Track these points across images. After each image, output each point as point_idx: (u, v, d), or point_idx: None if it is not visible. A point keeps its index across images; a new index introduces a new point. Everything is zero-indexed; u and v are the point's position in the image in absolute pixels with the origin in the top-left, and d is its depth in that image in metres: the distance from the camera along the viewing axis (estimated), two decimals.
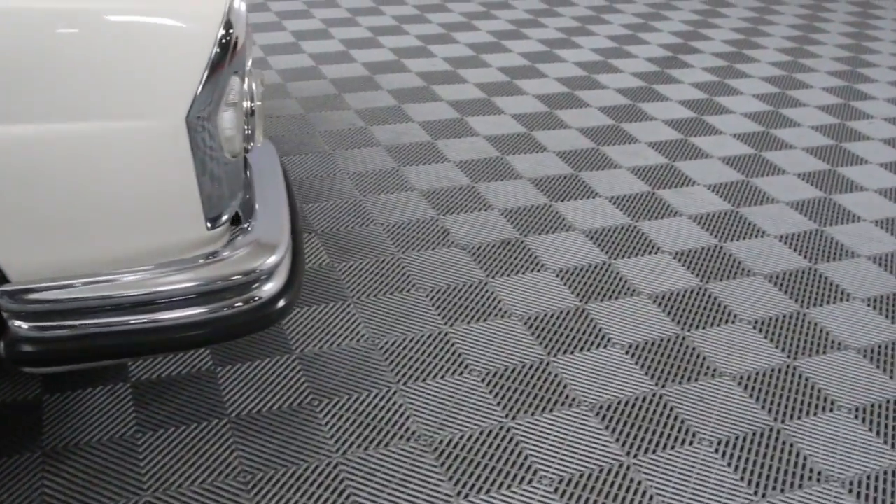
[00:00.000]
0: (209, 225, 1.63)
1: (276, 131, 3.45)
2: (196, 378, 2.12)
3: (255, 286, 1.66)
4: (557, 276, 2.62)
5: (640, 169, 3.34)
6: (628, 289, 2.58)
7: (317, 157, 3.26)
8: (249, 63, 1.90)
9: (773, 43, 5.01)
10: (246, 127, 1.73)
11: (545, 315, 2.44)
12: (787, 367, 2.31)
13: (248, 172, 1.96)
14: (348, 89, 3.95)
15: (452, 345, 2.30)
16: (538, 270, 2.64)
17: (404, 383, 2.16)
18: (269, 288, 1.68)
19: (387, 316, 2.39)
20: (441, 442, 1.99)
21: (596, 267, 2.68)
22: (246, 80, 1.75)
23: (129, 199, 1.52)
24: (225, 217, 1.66)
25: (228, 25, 1.56)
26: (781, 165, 3.44)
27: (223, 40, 1.55)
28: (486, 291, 2.52)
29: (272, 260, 1.68)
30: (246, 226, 1.77)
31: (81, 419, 1.98)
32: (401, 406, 2.09)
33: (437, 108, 3.78)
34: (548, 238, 2.82)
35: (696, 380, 2.24)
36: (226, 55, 1.56)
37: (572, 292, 2.54)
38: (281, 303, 1.69)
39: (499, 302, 2.48)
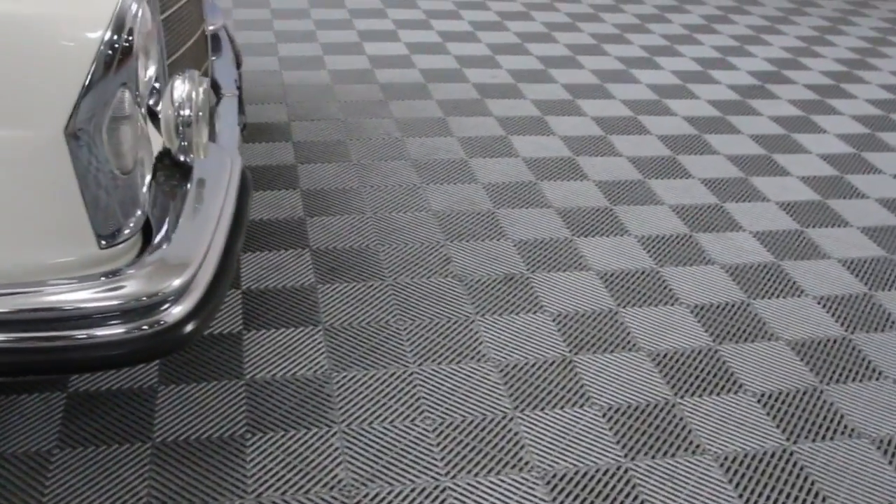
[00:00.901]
0: (103, 242, 1.55)
1: (413, 133, 3.45)
2: (309, 382, 2.13)
3: (159, 308, 1.56)
4: (692, 311, 2.51)
5: (789, 204, 3.18)
6: (766, 332, 2.45)
7: (452, 166, 3.23)
8: (193, 71, 1.82)
9: None
10: (181, 137, 1.70)
11: (675, 352, 2.34)
12: None
13: (185, 185, 1.83)
14: (491, 95, 3.92)
15: (575, 374, 2.23)
16: (672, 304, 2.54)
17: (521, 410, 2.10)
18: (174, 311, 1.57)
19: (512, 336, 2.34)
20: (554, 476, 1.93)
21: (733, 306, 2.56)
22: (185, 85, 1.70)
23: (9, 210, 1.45)
24: (125, 234, 1.58)
25: (117, 31, 1.47)
26: None
27: (108, 49, 1.45)
28: (616, 321, 2.44)
29: (177, 282, 1.58)
30: (156, 244, 1.65)
31: (194, 414, 2.01)
32: (515, 434, 2.03)
33: (579, 124, 3.70)
34: (685, 270, 2.71)
35: (832, 438, 2.10)
36: (111, 65, 1.46)
37: (706, 330, 2.44)
38: (188, 328, 1.57)
39: (627, 333, 2.39)
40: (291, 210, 2.84)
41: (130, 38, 1.49)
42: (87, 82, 1.42)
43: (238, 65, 2.86)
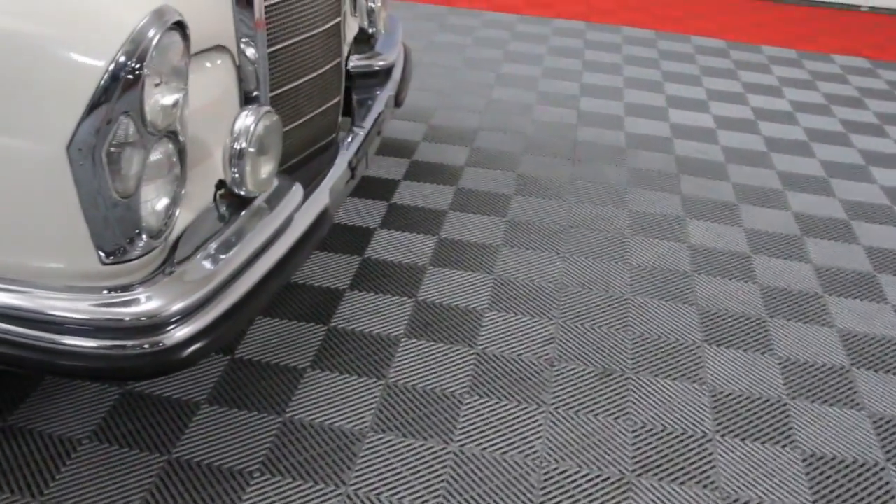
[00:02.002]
0: (105, 258, 1.61)
1: (697, 214, 3.53)
2: (531, 364, 2.34)
3: (157, 330, 1.62)
4: None
5: None
6: None
7: (730, 259, 3.05)
8: (254, 107, 1.90)
9: None
10: (234, 170, 1.82)
11: None
12: None
13: (234, 214, 1.89)
14: (794, 186, 3.59)
15: (786, 416, 2.26)
16: None
17: (723, 434, 2.18)
18: (175, 335, 1.63)
19: (733, 367, 2.41)
20: (736, 501, 2.00)
21: None
22: (248, 118, 1.83)
23: (16, 216, 1.57)
24: (130, 254, 1.64)
25: (125, 60, 1.51)
26: None
27: (112, 76, 1.51)
28: (845, 377, 2.43)
29: (179, 306, 1.64)
30: (172, 266, 1.72)
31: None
32: (710, 454, 2.12)
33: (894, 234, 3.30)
34: None
35: None
36: (113, 92, 1.51)
37: None
38: (184, 352, 1.63)
39: (854, 392, 2.37)
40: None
41: (139, 67, 1.53)
42: (88, 106, 1.50)
43: (397, 104, 2.98)
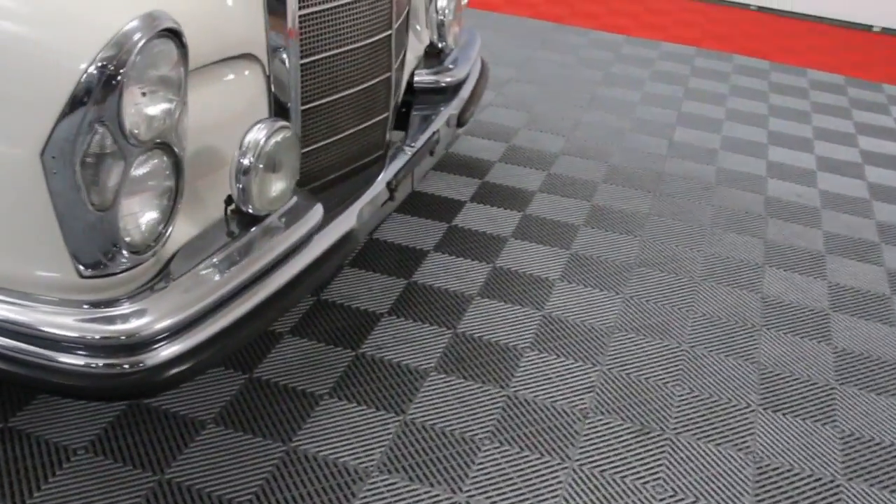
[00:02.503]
0: (84, 270, 1.54)
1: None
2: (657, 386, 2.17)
3: (138, 350, 1.54)
4: None
5: None
6: None
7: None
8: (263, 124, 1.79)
9: None
10: (240, 185, 1.73)
11: None
12: None
13: (239, 233, 1.80)
14: None
15: None
16: None
17: (850, 479, 1.98)
18: (156, 355, 1.54)
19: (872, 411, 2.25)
20: None
21: None
22: (259, 132, 1.74)
23: None
24: (109, 268, 1.55)
25: (104, 66, 1.42)
26: None
27: (89, 81, 1.41)
28: None
29: (163, 325, 1.55)
30: (156, 282, 1.62)
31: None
32: (837, 498, 1.94)
33: None
34: None
35: None
36: (88, 98, 1.42)
37: None
38: (165, 375, 1.54)
39: None
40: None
41: (119, 74, 1.44)
42: (61, 113, 1.42)
43: (460, 124, 2.82)
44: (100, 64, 1.42)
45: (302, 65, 1.99)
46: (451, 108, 2.72)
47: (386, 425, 2.10)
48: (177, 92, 1.57)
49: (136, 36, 1.46)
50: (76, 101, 1.42)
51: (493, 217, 3.08)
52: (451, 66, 2.82)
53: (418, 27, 2.82)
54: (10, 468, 1.89)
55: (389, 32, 2.23)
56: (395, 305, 2.53)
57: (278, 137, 1.79)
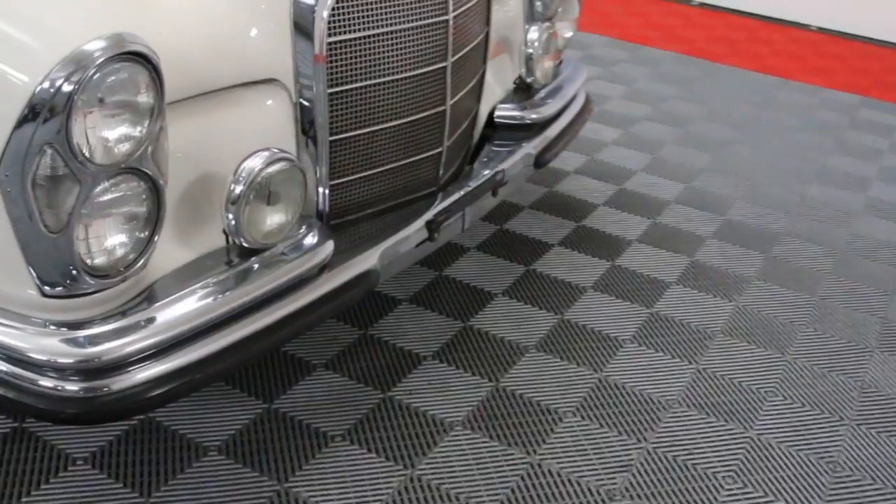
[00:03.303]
0: (45, 289, 1.49)
1: None
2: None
3: (96, 375, 1.49)
4: None
5: None
6: None
7: None
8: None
9: None
10: (230, 216, 1.64)
11: None
12: None
13: (229, 263, 1.73)
14: None
15: None
16: None
17: None
18: (114, 383, 1.50)
19: None
20: None
21: None
22: (256, 160, 1.65)
23: None
24: (70, 290, 1.50)
25: (55, 85, 1.34)
26: None
27: (39, 99, 1.35)
28: None
29: (123, 353, 1.50)
30: (135, 304, 1.57)
31: None
32: None
33: None
34: None
35: None
36: (36, 115, 1.35)
37: None
38: (117, 407, 1.50)
39: None
40: None
41: (68, 95, 1.37)
42: (12, 129, 1.38)
43: (539, 164, 2.61)
44: (52, 80, 1.37)
45: (330, 94, 1.91)
46: (529, 147, 2.56)
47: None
48: (146, 118, 1.51)
49: (95, 55, 1.40)
50: (26, 118, 1.37)
51: (702, 302, 2.74)
52: (540, 102, 2.68)
53: (509, 58, 2.70)
54: (146, 459, 1.97)
55: (444, 64, 2.12)
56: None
57: (275, 168, 1.71)
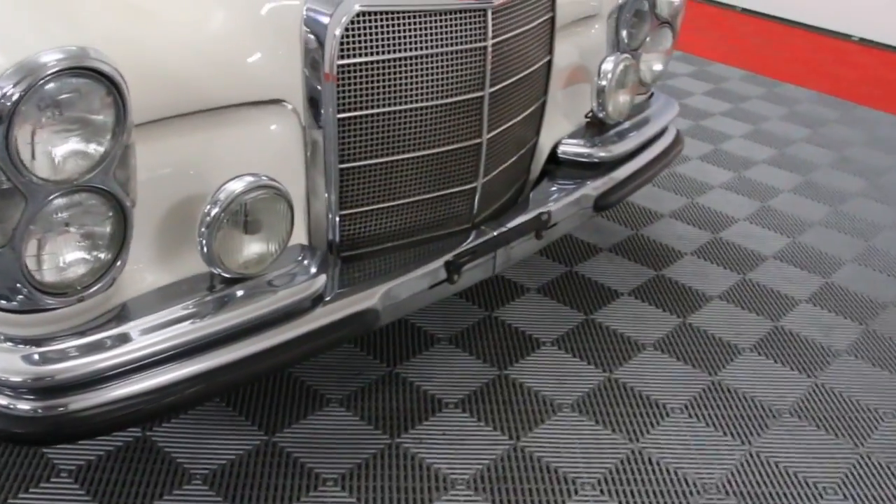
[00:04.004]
0: (2, 304, 1.44)
1: None
2: None
3: (46, 395, 1.44)
4: None
5: None
6: None
7: None
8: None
9: None
10: (202, 241, 1.55)
11: None
12: None
13: (204, 290, 1.65)
14: None
15: None
16: None
17: None
18: (63, 404, 1.45)
19: None
20: None
21: None
22: (236, 185, 1.56)
23: None
24: (19, 306, 1.44)
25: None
26: None
27: None
28: None
29: (71, 375, 1.44)
30: (98, 324, 1.51)
31: None
32: None
33: None
34: None
35: None
36: None
37: None
38: (64, 430, 1.45)
39: None
40: None
41: (9, 105, 1.32)
42: None
43: (599, 207, 2.39)
44: None
45: (341, 119, 1.79)
46: (588, 188, 2.37)
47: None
48: (105, 136, 1.45)
49: (48, 66, 1.35)
50: None
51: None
52: (611, 140, 2.48)
53: (583, 90, 2.52)
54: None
55: (480, 94, 1.97)
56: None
57: (253, 195, 1.61)
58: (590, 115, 2.51)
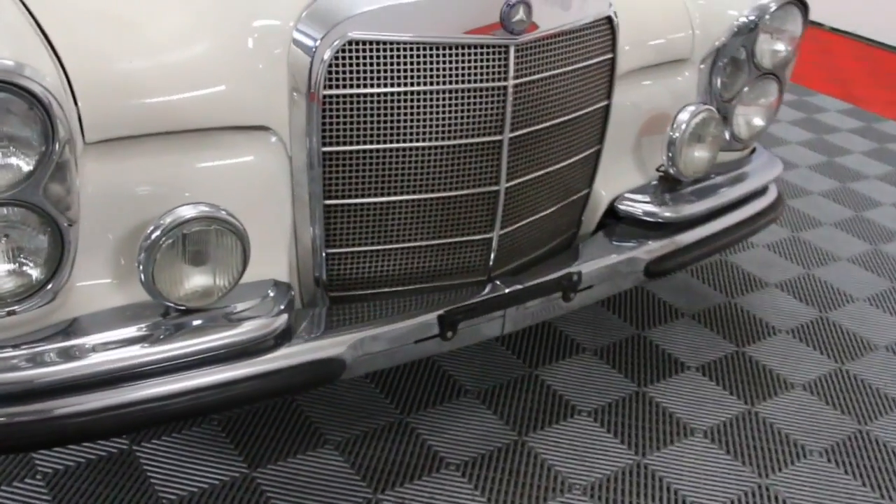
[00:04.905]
0: None
1: None
2: None
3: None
4: None
5: None
6: None
7: None
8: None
9: None
10: (140, 267, 1.50)
11: None
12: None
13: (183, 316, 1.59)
14: None
15: None
16: None
17: None
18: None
19: None
20: None
21: None
22: (177, 210, 1.51)
23: None
24: None
25: None
26: None
27: None
28: None
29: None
30: (37, 339, 1.48)
31: None
32: None
33: None
34: None
35: None
36: None
37: None
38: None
39: None
40: None
41: None
42: None
43: (652, 273, 2.14)
44: None
45: (325, 153, 1.68)
46: (638, 251, 2.10)
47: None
48: (31, 152, 1.43)
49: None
50: None
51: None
52: (682, 199, 2.20)
53: (657, 141, 2.25)
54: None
55: (498, 138, 1.79)
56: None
57: (197, 226, 1.55)
58: (661, 168, 2.25)
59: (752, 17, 2.24)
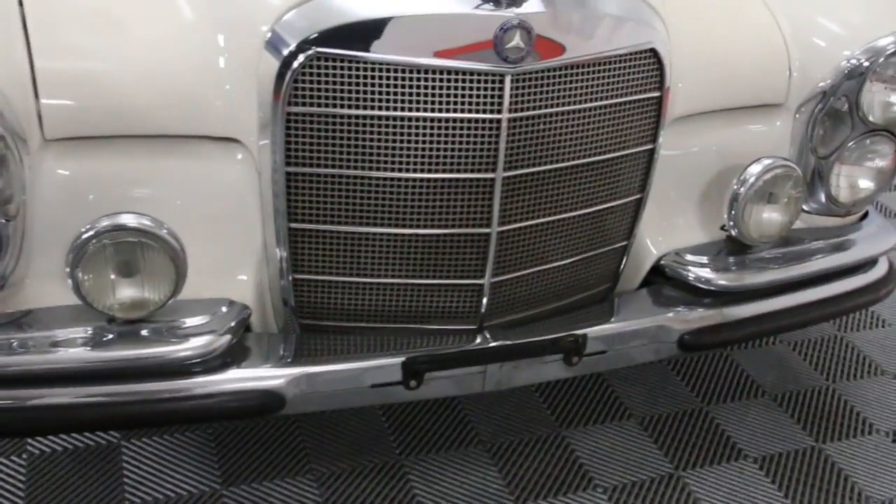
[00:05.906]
0: None
1: None
2: None
3: None
4: None
5: None
6: None
7: None
8: None
9: None
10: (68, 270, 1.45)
11: None
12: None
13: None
14: None
15: None
16: None
17: None
18: None
19: None
20: None
21: None
22: (106, 219, 1.45)
23: None
24: None
25: None
26: None
27: None
28: None
29: None
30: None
31: None
32: None
33: None
34: None
35: None
36: None
37: None
38: None
39: None
40: None
41: None
42: None
43: (687, 347, 1.81)
44: None
45: (289, 173, 1.57)
46: (671, 319, 1.83)
47: None
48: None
49: None
50: None
51: None
52: (755, 265, 1.90)
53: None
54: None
55: (489, 176, 1.62)
56: None
57: (120, 237, 1.49)
58: (724, 228, 1.93)
59: (862, 61, 1.89)
